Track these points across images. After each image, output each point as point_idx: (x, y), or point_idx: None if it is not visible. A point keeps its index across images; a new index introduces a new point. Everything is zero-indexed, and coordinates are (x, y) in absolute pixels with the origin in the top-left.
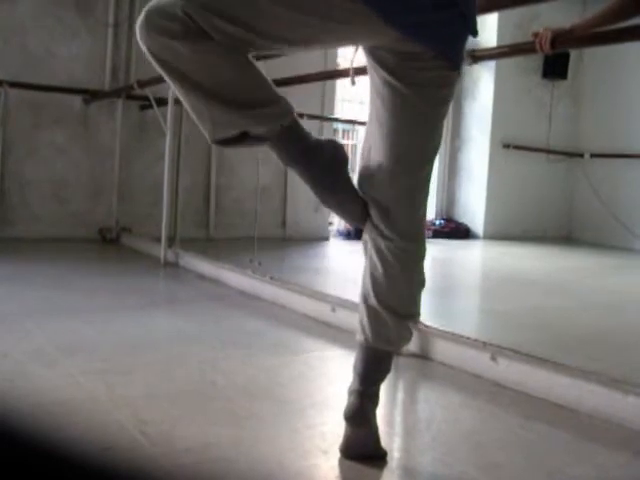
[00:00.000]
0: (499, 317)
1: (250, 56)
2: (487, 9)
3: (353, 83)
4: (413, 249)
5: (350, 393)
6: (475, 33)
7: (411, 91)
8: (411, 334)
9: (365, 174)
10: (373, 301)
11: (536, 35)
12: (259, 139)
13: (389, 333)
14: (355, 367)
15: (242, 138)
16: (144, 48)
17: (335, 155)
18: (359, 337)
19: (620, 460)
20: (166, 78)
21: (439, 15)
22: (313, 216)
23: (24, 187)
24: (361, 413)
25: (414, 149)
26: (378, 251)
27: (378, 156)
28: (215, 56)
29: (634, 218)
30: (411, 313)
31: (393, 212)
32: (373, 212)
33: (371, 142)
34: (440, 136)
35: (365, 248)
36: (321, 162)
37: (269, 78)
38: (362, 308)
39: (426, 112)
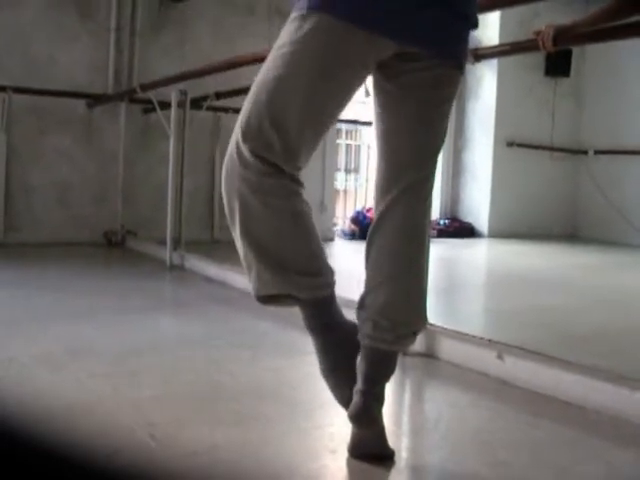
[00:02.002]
0: (505, 315)
1: (314, 224)
2: (489, 7)
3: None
4: (419, 252)
5: (355, 393)
6: (475, 26)
7: (410, 92)
8: (414, 335)
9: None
10: (375, 306)
11: (538, 33)
12: (296, 301)
13: (389, 335)
14: (358, 366)
15: (283, 297)
16: (223, 191)
17: (352, 341)
18: (360, 337)
19: (628, 456)
20: (230, 223)
21: (430, 15)
22: (318, 217)
23: (29, 192)
24: (365, 413)
25: (415, 149)
26: (381, 254)
27: (380, 157)
28: (283, 214)
29: (639, 214)
30: (415, 317)
31: (396, 212)
32: (379, 216)
33: (376, 143)
34: (443, 135)
35: (368, 253)
36: (337, 340)
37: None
38: (362, 311)
39: (426, 111)
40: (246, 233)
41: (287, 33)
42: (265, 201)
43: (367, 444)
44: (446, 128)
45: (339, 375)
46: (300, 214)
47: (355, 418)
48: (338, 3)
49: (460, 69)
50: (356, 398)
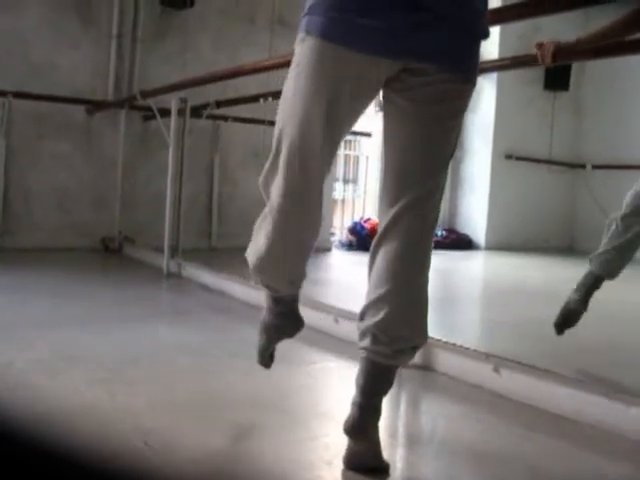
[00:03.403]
0: (501, 328)
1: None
2: (490, 22)
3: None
4: (421, 267)
5: (351, 405)
6: (485, 36)
7: (420, 105)
8: (414, 351)
9: (380, 192)
10: (374, 320)
11: (540, 45)
12: (275, 291)
13: (387, 349)
14: (357, 379)
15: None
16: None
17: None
18: (359, 349)
19: (623, 471)
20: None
21: (437, 30)
22: None
23: (27, 197)
24: (360, 426)
25: (423, 163)
26: (383, 268)
27: (386, 169)
28: (299, 225)
29: None
30: (414, 333)
31: (400, 226)
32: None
33: (383, 157)
34: (453, 148)
35: (371, 265)
36: (284, 323)
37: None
38: (362, 323)
39: (435, 125)
40: (260, 229)
41: (295, 54)
42: (286, 209)
43: (362, 457)
44: (456, 141)
45: (271, 341)
46: (312, 226)
47: (350, 431)
48: (333, 27)
49: (471, 82)
50: (352, 411)
